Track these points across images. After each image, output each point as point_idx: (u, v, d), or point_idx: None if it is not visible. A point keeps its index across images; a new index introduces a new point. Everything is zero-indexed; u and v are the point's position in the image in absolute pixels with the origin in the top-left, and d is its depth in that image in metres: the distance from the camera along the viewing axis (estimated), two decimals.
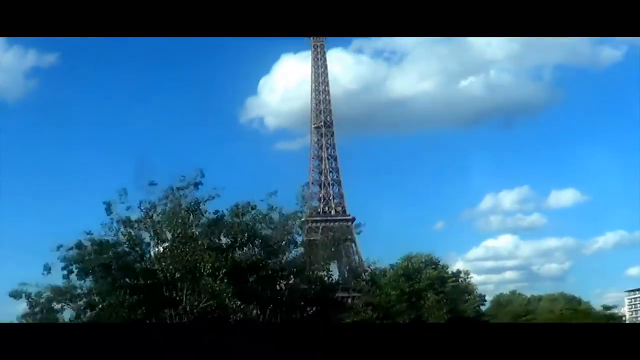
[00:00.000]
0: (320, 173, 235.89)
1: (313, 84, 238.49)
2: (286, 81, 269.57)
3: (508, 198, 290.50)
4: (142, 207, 42.28)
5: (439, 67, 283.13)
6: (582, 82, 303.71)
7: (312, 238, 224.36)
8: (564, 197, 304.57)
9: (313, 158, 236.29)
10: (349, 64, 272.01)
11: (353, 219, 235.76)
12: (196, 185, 42.65)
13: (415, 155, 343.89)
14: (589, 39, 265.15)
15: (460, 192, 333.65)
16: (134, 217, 41.80)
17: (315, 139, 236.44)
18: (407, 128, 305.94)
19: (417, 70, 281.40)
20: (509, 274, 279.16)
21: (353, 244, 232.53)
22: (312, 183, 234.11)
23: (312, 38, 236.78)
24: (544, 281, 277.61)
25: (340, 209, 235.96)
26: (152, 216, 41.84)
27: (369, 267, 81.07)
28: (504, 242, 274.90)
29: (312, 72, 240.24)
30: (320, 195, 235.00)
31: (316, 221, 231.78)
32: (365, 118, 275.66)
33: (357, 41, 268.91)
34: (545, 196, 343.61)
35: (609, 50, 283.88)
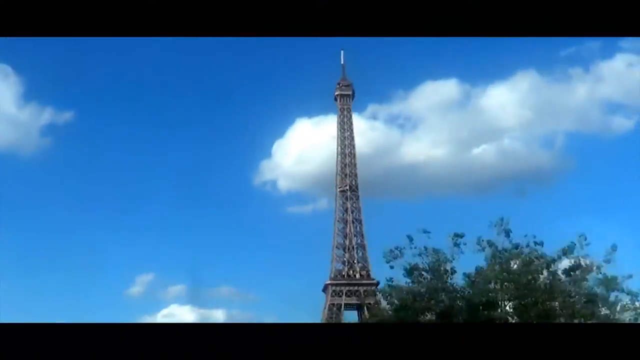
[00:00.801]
0: (345, 237, 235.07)
1: (339, 147, 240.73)
2: (300, 145, 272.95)
3: None
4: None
5: (451, 135, 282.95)
6: (593, 150, 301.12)
7: (335, 302, 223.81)
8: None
9: (338, 221, 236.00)
10: (363, 130, 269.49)
11: (377, 283, 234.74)
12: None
13: (426, 222, 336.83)
14: (600, 108, 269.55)
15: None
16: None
17: (341, 202, 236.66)
18: (418, 194, 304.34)
19: (429, 137, 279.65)
20: None
21: (377, 308, 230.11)
22: (337, 247, 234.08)
23: (338, 101, 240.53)
24: None
25: (364, 272, 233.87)
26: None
27: None
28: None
29: (337, 134, 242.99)
30: (345, 259, 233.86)
31: (340, 284, 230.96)
32: (377, 183, 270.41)
33: (372, 107, 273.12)
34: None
35: (620, 120, 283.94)
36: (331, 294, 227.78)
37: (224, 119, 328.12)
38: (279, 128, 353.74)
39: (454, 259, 39.78)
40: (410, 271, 39.46)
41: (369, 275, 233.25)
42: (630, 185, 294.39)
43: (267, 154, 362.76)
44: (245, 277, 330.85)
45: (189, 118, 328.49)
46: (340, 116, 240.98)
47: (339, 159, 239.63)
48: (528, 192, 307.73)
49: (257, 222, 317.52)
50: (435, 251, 39.49)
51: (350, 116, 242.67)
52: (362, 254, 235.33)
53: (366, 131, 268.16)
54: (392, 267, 39.71)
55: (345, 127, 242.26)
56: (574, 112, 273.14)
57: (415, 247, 39.44)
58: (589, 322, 36.38)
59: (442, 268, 39.34)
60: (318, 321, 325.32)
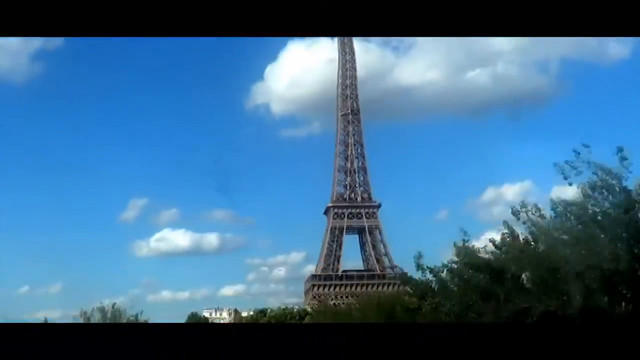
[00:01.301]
0: (347, 159, 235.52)
1: (340, 70, 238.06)
2: (293, 68, 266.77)
3: (511, 191, 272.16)
4: None
5: (446, 58, 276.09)
6: (588, 77, 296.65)
7: (337, 225, 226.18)
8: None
9: (339, 144, 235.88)
10: (357, 53, 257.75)
11: (379, 205, 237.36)
12: None
13: (420, 144, 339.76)
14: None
15: (463, 182, 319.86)
16: None
17: (342, 125, 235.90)
18: (413, 117, 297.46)
19: (424, 60, 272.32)
20: None
21: (378, 232, 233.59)
22: (338, 170, 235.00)
23: None
24: None
25: (366, 195, 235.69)
26: None
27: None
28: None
29: (338, 57, 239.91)
30: (347, 182, 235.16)
31: (343, 207, 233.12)
32: (371, 106, 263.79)
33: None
34: (547, 191, 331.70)
35: (615, 46, 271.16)
36: (333, 216, 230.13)
37: (215, 43, 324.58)
38: (271, 51, 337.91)
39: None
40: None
41: (370, 198, 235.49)
42: (622, 113, 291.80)
43: (259, 77, 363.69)
44: (239, 200, 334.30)
45: (183, 40, 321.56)
46: (340, 38, 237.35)
47: (340, 81, 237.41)
48: (521, 117, 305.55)
49: (250, 146, 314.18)
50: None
51: (351, 38, 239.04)
52: (364, 176, 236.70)
53: (360, 54, 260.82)
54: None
55: (347, 50, 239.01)
56: (569, 38, 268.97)
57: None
58: None
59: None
60: (313, 242, 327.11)
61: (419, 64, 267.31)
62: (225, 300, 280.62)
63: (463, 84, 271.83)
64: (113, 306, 68.38)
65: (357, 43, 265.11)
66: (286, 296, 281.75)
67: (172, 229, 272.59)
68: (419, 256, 38.02)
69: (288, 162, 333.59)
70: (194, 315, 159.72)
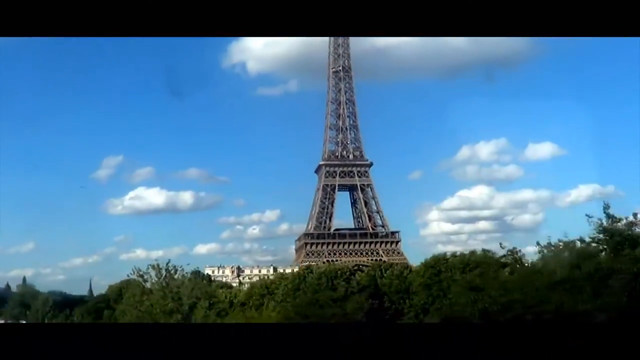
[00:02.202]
0: (338, 117, 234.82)
1: None
2: None
3: (485, 149, 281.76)
4: None
5: None
6: (564, 38, 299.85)
7: (329, 183, 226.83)
8: (541, 150, 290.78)
9: (331, 102, 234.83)
10: None
11: (371, 164, 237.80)
12: None
13: (395, 104, 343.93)
14: None
15: (438, 142, 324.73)
16: None
17: (334, 83, 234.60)
18: (389, 76, 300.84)
19: None
20: (482, 224, 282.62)
21: (370, 189, 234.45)
22: (330, 127, 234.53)
23: None
24: (517, 232, 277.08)
25: (358, 153, 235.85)
26: None
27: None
28: (479, 192, 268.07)
29: None
30: (338, 139, 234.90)
31: (334, 165, 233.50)
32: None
33: None
34: (523, 149, 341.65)
35: None
36: (325, 174, 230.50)
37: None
38: None
39: None
40: None
41: (362, 156, 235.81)
42: (598, 74, 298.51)
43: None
44: (214, 159, 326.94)
45: None
46: None
47: (332, 39, 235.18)
48: (496, 77, 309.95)
49: (225, 104, 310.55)
50: None
51: None
52: (355, 134, 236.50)
53: None
54: None
55: None
56: None
57: None
58: None
59: None
60: (288, 201, 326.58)
61: None
62: (199, 258, 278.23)
63: (439, 44, 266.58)
64: (167, 264, 66.80)
65: None
66: (260, 254, 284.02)
67: (146, 187, 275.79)
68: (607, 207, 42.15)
69: (264, 121, 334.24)
70: (196, 272, 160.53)
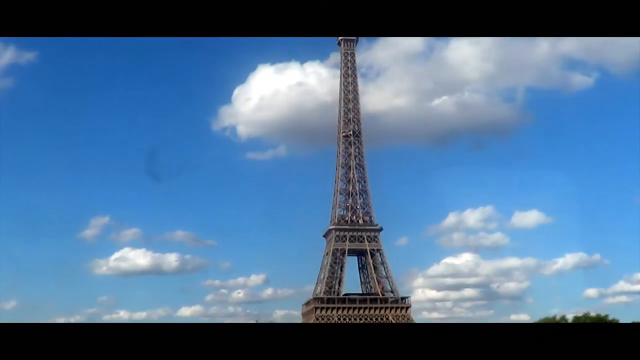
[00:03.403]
0: (348, 182, 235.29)
1: (342, 92, 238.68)
2: (261, 91, 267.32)
3: (472, 217, 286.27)
4: None
5: (413, 85, 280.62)
6: (552, 105, 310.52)
7: (339, 247, 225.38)
8: (528, 218, 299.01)
9: (342, 167, 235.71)
10: (325, 78, 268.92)
11: (380, 229, 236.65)
12: None
13: (385, 169, 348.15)
14: (561, 64, 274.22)
15: (425, 208, 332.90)
16: None
17: (344, 147, 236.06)
18: (378, 142, 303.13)
19: (391, 87, 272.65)
20: (467, 292, 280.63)
21: (379, 254, 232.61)
22: (340, 192, 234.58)
23: (342, 46, 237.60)
24: (503, 300, 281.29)
25: (367, 218, 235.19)
26: None
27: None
28: (465, 259, 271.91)
29: (340, 80, 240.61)
30: (348, 204, 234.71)
31: (345, 230, 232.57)
32: (336, 130, 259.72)
33: (335, 55, 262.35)
34: (509, 216, 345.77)
35: (580, 77, 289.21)
36: (335, 238, 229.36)
37: (186, 63, 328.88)
38: (241, 74, 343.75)
39: None
40: None
41: (372, 221, 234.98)
42: (585, 142, 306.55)
43: (227, 99, 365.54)
44: (202, 222, 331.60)
45: (153, 58, 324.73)
46: (344, 61, 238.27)
47: (342, 104, 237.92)
48: (485, 145, 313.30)
49: (214, 167, 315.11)
50: None
51: (354, 61, 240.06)
52: (365, 199, 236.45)
53: (328, 79, 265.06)
54: None
55: (349, 72, 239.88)
56: (535, 67, 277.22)
57: None
58: None
59: None
60: (274, 265, 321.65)
61: (385, 91, 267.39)
62: (182, 321, 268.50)
63: (428, 111, 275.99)
64: None
65: (326, 68, 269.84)
66: (244, 318, 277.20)
67: (132, 248, 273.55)
68: None
69: (252, 185, 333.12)
70: None
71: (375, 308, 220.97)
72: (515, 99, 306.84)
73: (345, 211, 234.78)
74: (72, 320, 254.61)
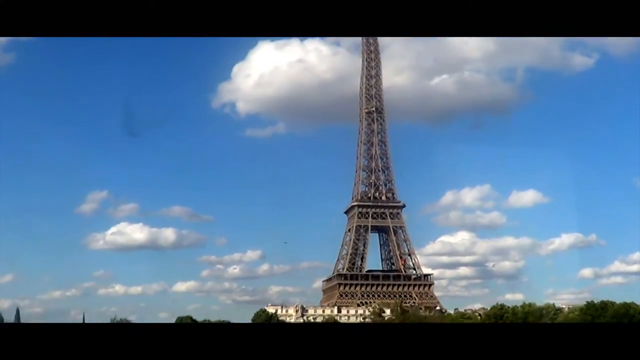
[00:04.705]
0: (371, 158, 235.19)
1: (364, 69, 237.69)
2: (262, 68, 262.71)
3: (469, 195, 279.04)
4: None
5: (413, 63, 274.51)
6: (552, 86, 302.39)
7: (362, 224, 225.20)
8: (525, 197, 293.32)
9: (364, 143, 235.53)
10: (326, 55, 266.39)
11: (403, 206, 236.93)
12: None
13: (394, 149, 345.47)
14: (562, 44, 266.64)
15: (423, 186, 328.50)
16: None
17: (366, 124, 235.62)
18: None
19: (392, 65, 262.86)
20: (463, 270, 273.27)
21: (402, 231, 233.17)
22: (362, 169, 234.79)
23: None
24: (498, 279, 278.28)
25: (390, 195, 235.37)
26: None
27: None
28: (461, 238, 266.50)
29: (363, 57, 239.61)
30: (371, 180, 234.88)
31: (367, 206, 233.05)
32: (335, 108, 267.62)
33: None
34: (506, 195, 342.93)
35: (580, 57, 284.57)
36: (357, 215, 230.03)
37: (185, 41, 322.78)
38: (241, 50, 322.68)
39: None
40: None
41: (394, 198, 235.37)
42: (585, 122, 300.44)
43: (226, 76, 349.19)
44: (199, 198, 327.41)
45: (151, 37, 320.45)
46: (366, 38, 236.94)
47: (365, 80, 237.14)
48: (484, 124, 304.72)
49: (213, 143, 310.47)
50: None
51: (376, 38, 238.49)
52: (387, 175, 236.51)
53: (329, 57, 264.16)
54: None
55: (372, 49, 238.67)
56: (535, 47, 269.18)
57: None
58: None
59: None
60: (270, 240, 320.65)
61: (386, 69, 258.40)
62: (177, 297, 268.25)
63: (428, 89, 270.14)
64: None
65: (326, 45, 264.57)
66: (239, 294, 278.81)
67: (129, 223, 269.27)
68: None
69: (251, 161, 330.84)
70: (262, 312, 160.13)
71: (399, 285, 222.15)
72: (515, 78, 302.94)
73: (367, 188, 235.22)
74: (68, 294, 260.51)
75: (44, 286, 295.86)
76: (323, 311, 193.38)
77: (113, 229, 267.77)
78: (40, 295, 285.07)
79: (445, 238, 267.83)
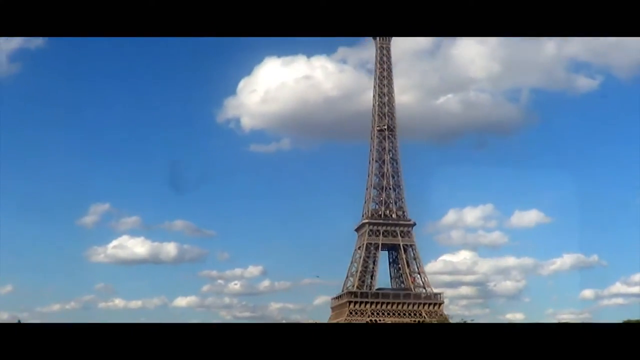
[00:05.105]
0: (382, 176, 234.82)
1: (377, 87, 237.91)
2: (267, 84, 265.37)
3: (472, 214, 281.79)
4: None
5: (419, 82, 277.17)
6: (556, 107, 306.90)
7: (372, 241, 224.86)
8: (527, 217, 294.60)
9: (376, 161, 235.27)
10: (332, 72, 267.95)
11: (414, 224, 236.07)
12: None
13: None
14: (567, 66, 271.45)
15: (425, 204, 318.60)
16: None
17: (377, 141, 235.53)
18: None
19: (397, 83, 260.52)
20: (464, 289, 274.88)
21: (412, 249, 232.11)
22: (373, 187, 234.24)
23: (377, 40, 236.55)
24: (499, 298, 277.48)
25: (401, 213, 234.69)
26: None
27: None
28: (463, 257, 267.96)
29: (375, 74, 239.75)
30: (381, 198, 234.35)
31: (378, 224, 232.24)
32: (340, 125, 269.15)
33: (342, 50, 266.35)
34: (509, 215, 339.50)
35: (585, 79, 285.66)
36: (368, 233, 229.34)
37: (191, 54, 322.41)
38: (246, 65, 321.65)
39: None
40: None
41: (405, 216, 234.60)
42: (588, 144, 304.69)
43: (231, 91, 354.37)
44: (202, 212, 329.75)
45: (159, 51, 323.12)
46: (379, 55, 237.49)
47: (377, 98, 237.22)
48: (488, 144, 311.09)
49: (217, 158, 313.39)
50: None
51: (390, 56, 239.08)
52: (398, 193, 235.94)
53: (335, 74, 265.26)
54: None
55: (384, 67, 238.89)
56: (540, 69, 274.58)
57: None
58: None
59: None
60: (272, 256, 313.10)
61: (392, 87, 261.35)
62: (177, 311, 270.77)
63: (433, 108, 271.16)
64: None
65: (332, 62, 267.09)
66: (239, 310, 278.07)
67: (131, 236, 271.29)
68: None
69: (255, 177, 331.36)
70: None
71: (409, 303, 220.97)
72: (519, 99, 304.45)
73: (378, 205, 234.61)
74: (68, 307, 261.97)
75: (44, 299, 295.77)
76: None
77: (114, 242, 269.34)
78: (39, 307, 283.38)
79: (446, 257, 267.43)
